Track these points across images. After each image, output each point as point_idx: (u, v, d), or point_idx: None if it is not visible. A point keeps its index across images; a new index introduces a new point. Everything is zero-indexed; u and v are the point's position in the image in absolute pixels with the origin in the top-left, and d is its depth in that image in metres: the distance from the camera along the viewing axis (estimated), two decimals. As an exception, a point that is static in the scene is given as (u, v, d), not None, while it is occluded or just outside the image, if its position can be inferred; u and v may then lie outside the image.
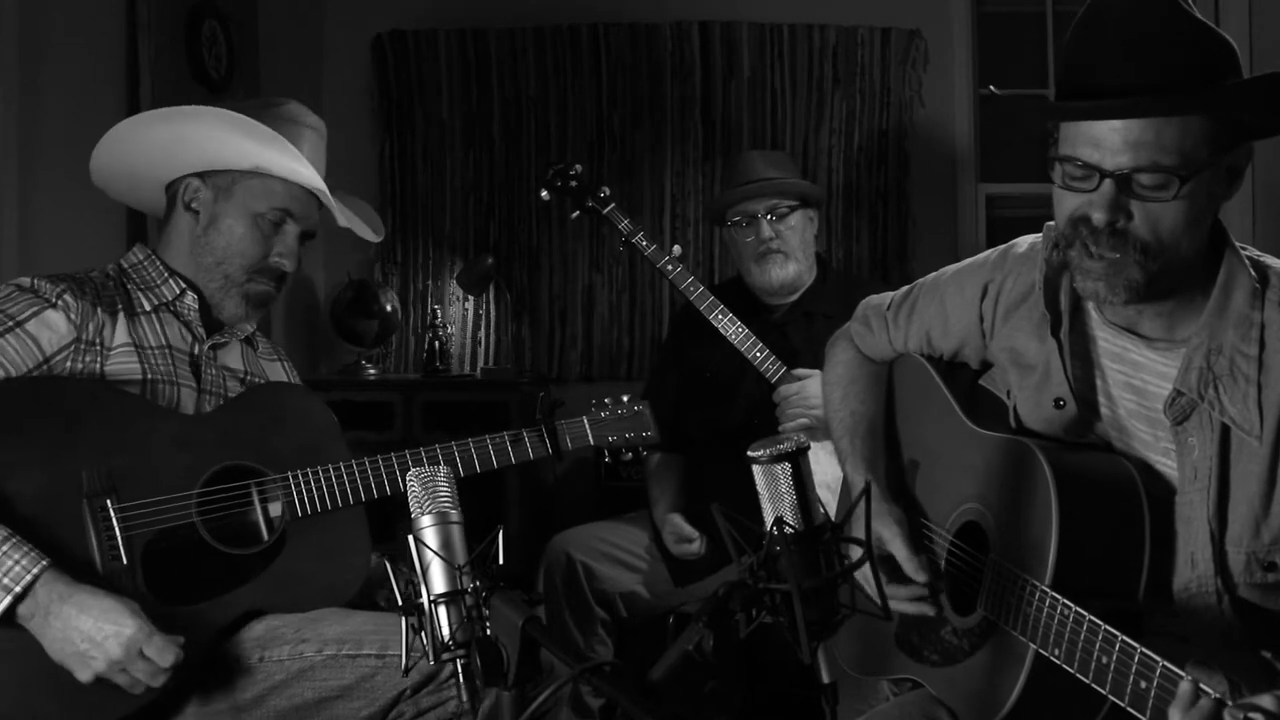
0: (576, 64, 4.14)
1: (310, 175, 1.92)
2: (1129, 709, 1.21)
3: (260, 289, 1.98)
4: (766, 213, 2.77)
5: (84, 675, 1.63)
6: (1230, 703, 1.08)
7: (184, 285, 1.94)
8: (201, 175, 1.94)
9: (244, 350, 2.06)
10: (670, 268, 2.75)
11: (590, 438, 2.15)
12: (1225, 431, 1.37)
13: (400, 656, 1.29)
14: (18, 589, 1.58)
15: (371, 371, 4.03)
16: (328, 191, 1.95)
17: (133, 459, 1.76)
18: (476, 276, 4.01)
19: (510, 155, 4.17)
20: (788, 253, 2.77)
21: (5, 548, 1.59)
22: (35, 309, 1.78)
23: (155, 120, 1.93)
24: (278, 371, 2.15)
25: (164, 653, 1.64)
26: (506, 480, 3.58)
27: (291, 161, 1.89)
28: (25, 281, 1.82)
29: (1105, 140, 1.29)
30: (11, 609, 1.58)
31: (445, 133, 4.18)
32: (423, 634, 1.23)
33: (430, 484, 1.27)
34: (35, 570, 1.59)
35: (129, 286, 1.92)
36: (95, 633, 1.60)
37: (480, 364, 4.15)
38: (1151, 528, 1.39)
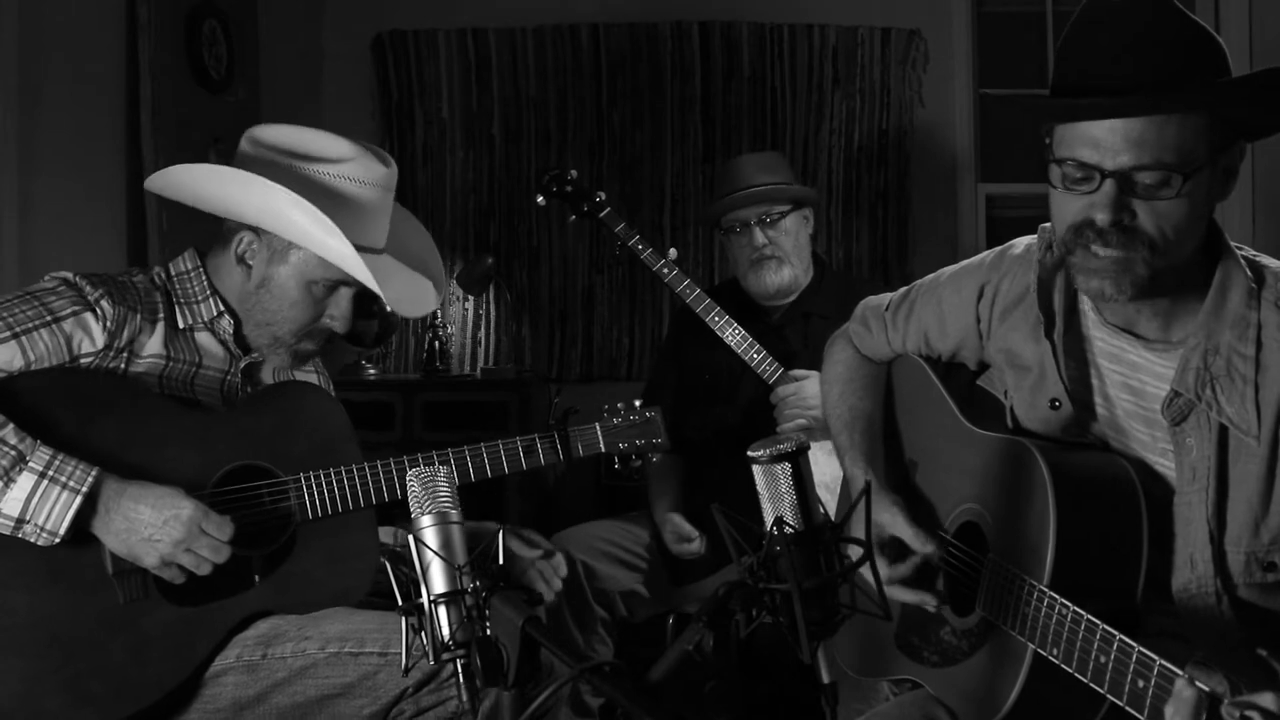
0: (576, 64, 4.14)
1: (369, 277, 1.83)
2: (1127, 708, 1.21)
3: (308, 348, 1.96)
4: (759, 219, 2.77)
5: (150, 560, 1.70)
6: (1228, 700, 1.08)
7: (222, 308, 1.92)
8: (256, 229, 1.88)
9: (277, 367, 2.04)
10: (666, 271, 2.75)
11: (602, 444, 2.14)
12: (1223, 432, 1.37)
13: (402, 654, 1.29)
14: (84, 489, 1.64)
15: (371, 371, 4.03)
16: (376, 285, 1.85)
17: (146, 455, 1.76)
18: (476, 276, 4.01)
19: (510, 155, 4.17)
20: (782, 258, 2.77)
21: (58, 460, 1.65)
22: (75, 309, 1.77)
23: (215, 177, 1.88)
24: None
25: (222, 527, 1.72)
26: (507, 480, 3.58)
27: (349, 253, 1.80)
28: (69, 276, 1.81)
29: (1104, 140, 1.29)
30: (80, 511, 1.64)
31: (445, 133, 4.18)
32: (423, 634, 1.23)
33: (430, 484, 1.27)
34: (94, 473, 1.66)
35: (172, 298, 1.90)
36: (156, 518, 1.68)
37: (480, 364, 4.15)
38: (1149, 528, 1.39)
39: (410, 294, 2.00)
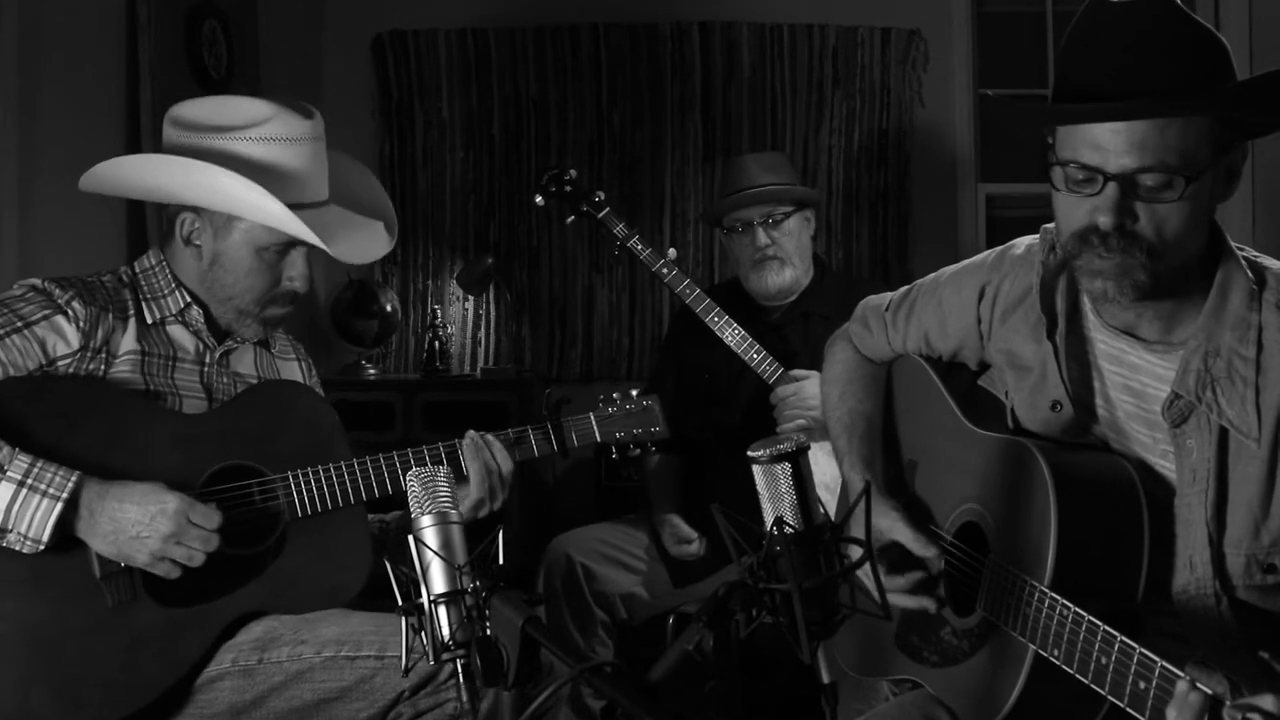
0: (576, 64, 4.14)
1: (309, 234, 1.82)
2: (1128, 709, 1.21)
3: (276, 313, 1.95)
4: (762, 220, 2.77)
5: (141, 558, 1.69)
6: (1229, 702, 1.08)
7: (189, 299, 1.91)
8: (196, 209, 1.88)
9: (257, 353, 2.04)
10: (666, 271, 2.75)
11: (597, 434, 2.10)
12: (1223, 434, 1.36)
13: (399, 657, 1.29)
14: (65, 495, 1.64)
15: (371, 371, 4.03)
16: (319, 241, 1.84)
17: (131, 459, 1.75)
18: (476, 276, 4.00)
19: (510, 155, 4.16)
20: (784, 259, 2.77)
21: (37, 468, 1.64)
22: (46, 312, 1.77)
23: (139, 166, 1.88)
24: (293, 372, 2.11)
25: (209, 516, 1.72)
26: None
27: (283, 213, 1.80)
28: (38, 283, 1.81)
29: (1107, 142, 1.29)
30: (62, 517, 1.64)
31: (445, 133, 4.18)
32: (423, 634, 1.23)
33: (430, 484, 1.27)
34: (74, 478, 1.65)
35: (139, 294, 1.90)
36: (142, 515, 1.68)
37: (480, 364, 4.15)
38: (1150, 528, 1.39)
39: (362, 242, 1.98)
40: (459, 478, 1.91)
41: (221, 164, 1.80)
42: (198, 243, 1.89)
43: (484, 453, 1.96)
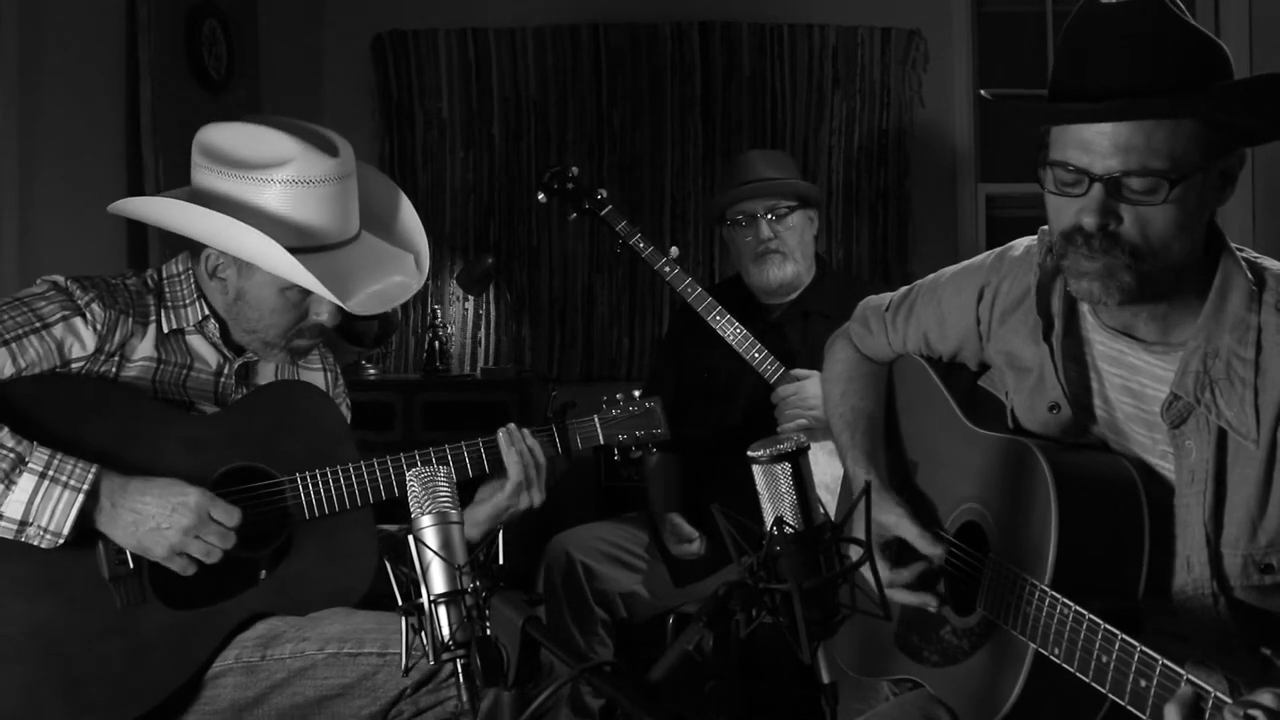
0: (576, 64, 4.14)
1: (327, 293, 1.77)
2: (1129, 707, 1.21)
3: (302, 344, 1.92)
4: (766, 213, 2.77)
5: (160, 551, 1.69)
6: (1229, 701, 1.08)
7: (207, 312, 1.89)
8: None
9: (280, 365, 2.00)
10: (668, 269, 2.75)
11: (601, 437, 2.10)
12: (1222, 435, 1.36)
13: (401, 655, 1.29)
14: (86, 487, 1.64)
15: (371, 371, 4.03)
16: (332, 296, 1.79)
17: (140, 460, 1.75)
18: (476, 276, 4.00)
19: (510, 155, 4.17)
20: (786, 253, 2.77)
21: (57, 460, 1.64)
22: (65, 313, 1.76)
23: (162, 208, 1.86)
24: (318, 381, 2.07)
25: (229, 514, 1.72)
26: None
27: (302, 272, 1.76)
28: (60, 281, 1.80)
29: (1094, 144, 1.29)
30: (82, 510, 1.64)
31: (445, 133, 4.18)
32: (423, 634, 1.23)
33: (430, 484, 1.27)
34: (93, 470, 1.65)
35: (161, 301, 1.88)
36: (163, 507, 1.68)
37: (480, 364, 4.15)
38: (1150, 528, 1.39)
39: (387, 279, 1.94)
40: (496, 472, 1.99)
41: (241, 208, 1.78)
42: (222, 277, 1.87)
43: (519, 443, 1.99)
